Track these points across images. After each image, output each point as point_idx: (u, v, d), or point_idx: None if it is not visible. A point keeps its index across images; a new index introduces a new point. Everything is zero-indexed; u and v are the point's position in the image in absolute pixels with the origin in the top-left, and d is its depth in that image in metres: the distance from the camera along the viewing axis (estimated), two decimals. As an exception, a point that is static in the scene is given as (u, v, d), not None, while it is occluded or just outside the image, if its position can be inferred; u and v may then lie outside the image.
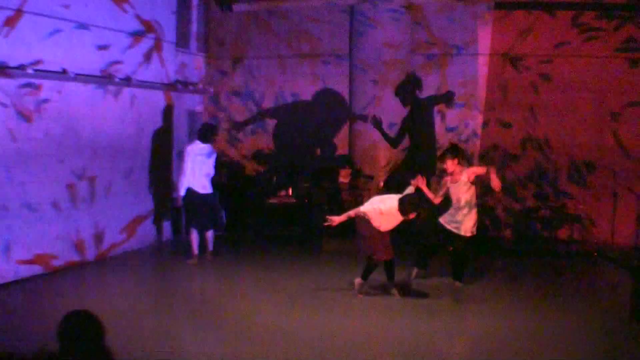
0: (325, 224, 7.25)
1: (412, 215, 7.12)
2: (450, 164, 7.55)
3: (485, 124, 10.62)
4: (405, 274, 7.61)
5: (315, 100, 11.26)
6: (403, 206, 7.04)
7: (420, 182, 7.50)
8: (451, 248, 7.67)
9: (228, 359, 5.51)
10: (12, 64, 7.30)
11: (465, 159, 8.16)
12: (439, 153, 8.69)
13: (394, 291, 7.37)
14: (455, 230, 7.51)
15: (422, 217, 7.25)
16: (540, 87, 10.37)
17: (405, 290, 7.40)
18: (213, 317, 6.55)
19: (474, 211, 7.52)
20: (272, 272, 8.47)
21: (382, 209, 7.10)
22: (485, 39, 10.47)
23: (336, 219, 7.19)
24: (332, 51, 11.10)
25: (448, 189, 7.59)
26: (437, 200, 7.64)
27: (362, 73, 10.70)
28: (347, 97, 11.08)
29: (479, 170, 7.66)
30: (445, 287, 7.84)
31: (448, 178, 7.65)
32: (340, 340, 5.93)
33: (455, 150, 7.67)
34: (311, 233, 9.94)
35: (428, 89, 10.73)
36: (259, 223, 10.74)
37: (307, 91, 11.28)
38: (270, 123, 11.54)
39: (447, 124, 10.76)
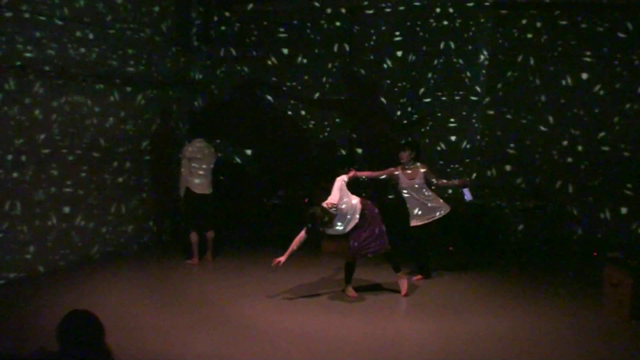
0: (273, 264, 7.01)
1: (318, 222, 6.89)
2: (406, 156, 7.69)
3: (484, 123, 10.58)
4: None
5: (316, 99, 11.23)
6: (306, 221, 6.98)
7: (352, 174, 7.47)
8: (451, 247, 7.74)
9: (228, 359, 5.52)
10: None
11: (422, 158, 8.16)
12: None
13: (407, 277, 7.52)
14: (438, 215, 7.85)
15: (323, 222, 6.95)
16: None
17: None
18: (213, 317, 6.55)
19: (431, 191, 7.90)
20: (272, 273, 8.45)
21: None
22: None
23: (282, 259, 6.99)
24: (332, 51, 11.07)
25: (396, 181, 7.88)
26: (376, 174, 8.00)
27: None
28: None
29: (439, 181, 7.94)
30: (444, 285, 7.86)
31: (399, 172, 7.81)
32: (340, 340, 5.94)
33: (415, 145, 7.95)
34: (311, 234, 9.87)
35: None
36: (258, 223, 10.72)
37: (308, 90, 11.24)
38: (271, 122, 11.50)
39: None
